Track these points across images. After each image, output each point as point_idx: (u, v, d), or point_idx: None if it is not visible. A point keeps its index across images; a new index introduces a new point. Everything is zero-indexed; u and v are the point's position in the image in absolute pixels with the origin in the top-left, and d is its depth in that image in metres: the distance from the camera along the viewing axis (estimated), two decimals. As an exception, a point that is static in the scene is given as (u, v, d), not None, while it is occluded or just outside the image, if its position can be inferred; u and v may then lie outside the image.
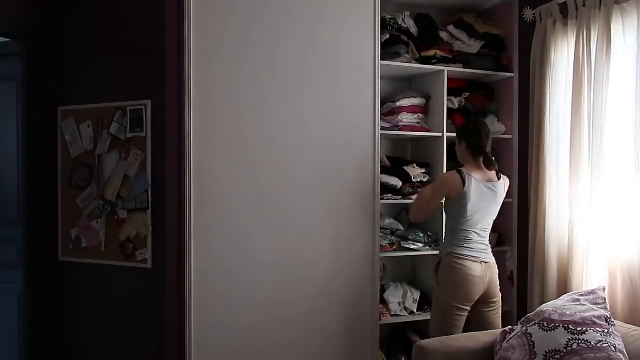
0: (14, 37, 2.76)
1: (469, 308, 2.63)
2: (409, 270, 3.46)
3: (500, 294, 2.74)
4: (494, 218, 2.75)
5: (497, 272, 2.72)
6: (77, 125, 2.75)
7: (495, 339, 2.43)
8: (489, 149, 2.71)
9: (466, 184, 2.60)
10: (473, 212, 2.63)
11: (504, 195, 2.76)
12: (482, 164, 2.67)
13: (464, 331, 2.63)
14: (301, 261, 2.78)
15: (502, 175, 2.76)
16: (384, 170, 3.09)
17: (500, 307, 2.76)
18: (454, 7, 3.40)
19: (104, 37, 2.72)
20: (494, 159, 2.70)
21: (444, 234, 2.84)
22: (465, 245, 2.64)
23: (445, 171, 3.11)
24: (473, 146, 2.69)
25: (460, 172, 2.63)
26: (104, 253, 2.70)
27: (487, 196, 2.66)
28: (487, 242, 2.72)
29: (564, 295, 2.56)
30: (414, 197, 3.11)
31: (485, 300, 2.67)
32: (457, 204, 2.63)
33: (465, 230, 2.64)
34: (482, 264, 2.63)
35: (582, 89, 2.73)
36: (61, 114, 2.79)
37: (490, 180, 2.68)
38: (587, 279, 2.67)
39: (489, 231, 2.74)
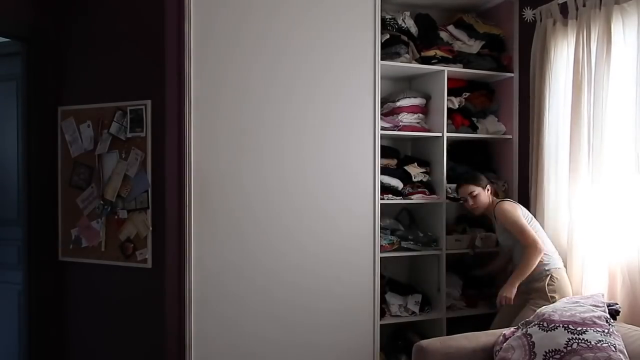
0: (14, 37, 2.76)
1: None
2: (408, 271, 3.46)
3: None
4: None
5: None
6: (77, 125, 2.75)
7: (495, 340, 2.43)
8: None
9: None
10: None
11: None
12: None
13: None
14: (301, 261, 2.78)
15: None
16: (386, 170, 3.09)
17: None
18: (454, 7, 3.40)
19: (104, 37, 2.72)
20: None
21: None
22: (559, 260, 2.78)
23: (444, 174, 3.13)
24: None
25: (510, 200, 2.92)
26: (104, 253, 2.70)
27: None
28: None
29: (563, 299, 2.58)
30: (414, 196, 3.11)
31: None
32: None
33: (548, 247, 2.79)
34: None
35: (582, 89, 2.73)
36: (61, 114, 2.79)
37: None
38: (587, 279, 2.67)
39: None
